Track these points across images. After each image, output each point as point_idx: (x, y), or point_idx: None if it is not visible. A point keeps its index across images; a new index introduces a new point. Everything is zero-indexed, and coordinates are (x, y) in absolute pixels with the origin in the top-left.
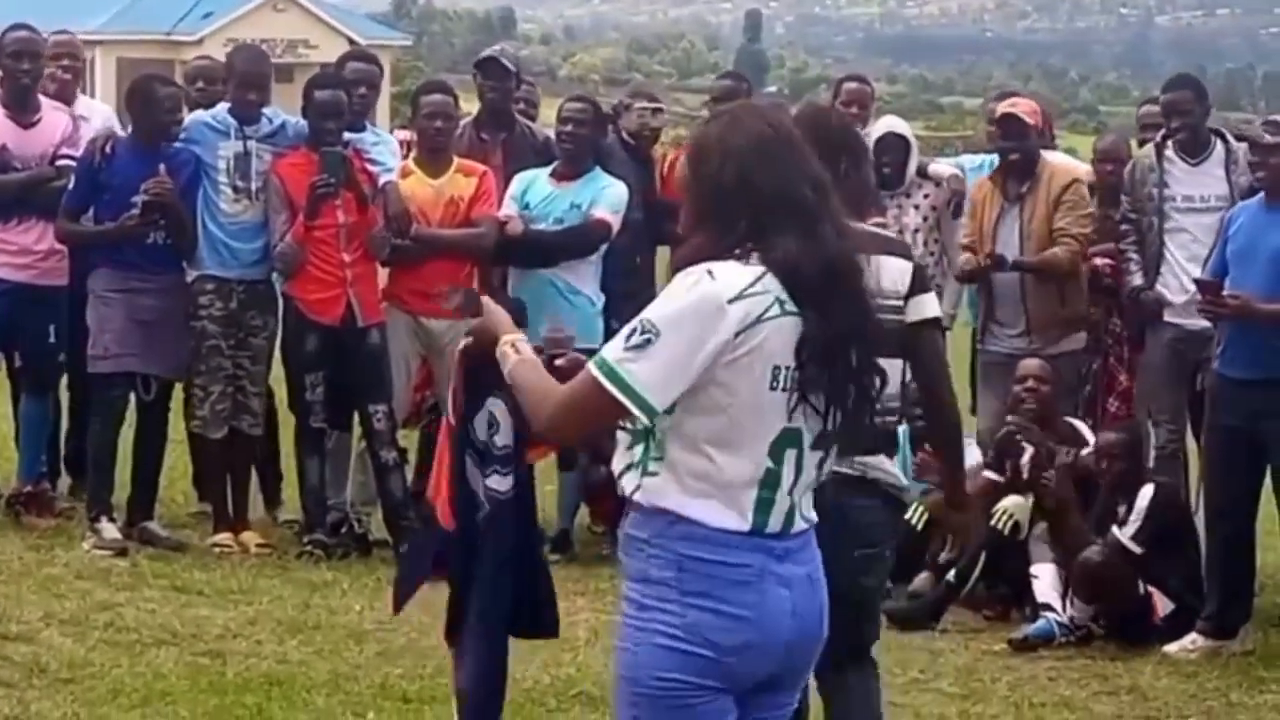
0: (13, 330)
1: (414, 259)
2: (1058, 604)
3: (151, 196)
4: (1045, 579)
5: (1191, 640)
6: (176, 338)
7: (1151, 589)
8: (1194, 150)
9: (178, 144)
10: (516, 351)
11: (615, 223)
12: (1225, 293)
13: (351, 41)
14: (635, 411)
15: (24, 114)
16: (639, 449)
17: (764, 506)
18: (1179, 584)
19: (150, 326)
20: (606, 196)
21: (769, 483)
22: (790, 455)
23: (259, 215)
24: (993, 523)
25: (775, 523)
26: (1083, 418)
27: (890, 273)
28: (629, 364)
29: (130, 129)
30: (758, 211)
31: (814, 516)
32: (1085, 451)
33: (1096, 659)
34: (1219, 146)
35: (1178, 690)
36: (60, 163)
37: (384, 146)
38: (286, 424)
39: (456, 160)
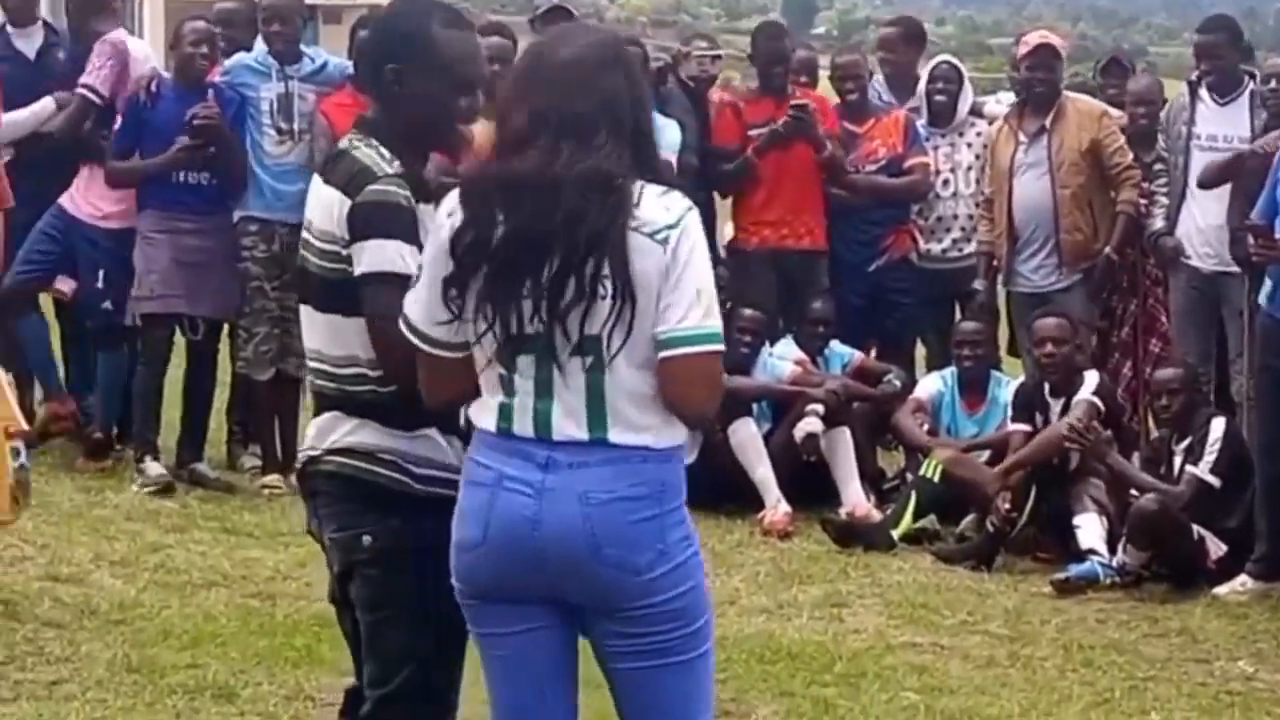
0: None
1: None
2: (1103, 550)
3: (201, 121)
4: (1089, 529)
5: (1241, 582)
6: (223, 278)
7: (1204, 533)
8: (1225, 90)
9: (220, 83)
10: None
11: (674, 161)
12: (1278, 235)
13: None
14: (429, 350)
15: None
16: None
17: (505, 411)
18: (1239, 521)
19: (197, 267)
20: (664, 136)
21: (507, 389)
22: (524, 361)
23: (303, 156)
24: None
25: (523, 426)
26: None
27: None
28: (407, 308)
29: (173, 70)
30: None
31: (614, 436)
32: None
33: (1146, 601)
34: (1249, 87)
35: (1227, 632)
36: (79, 92)
37: None
38: None
39: None
